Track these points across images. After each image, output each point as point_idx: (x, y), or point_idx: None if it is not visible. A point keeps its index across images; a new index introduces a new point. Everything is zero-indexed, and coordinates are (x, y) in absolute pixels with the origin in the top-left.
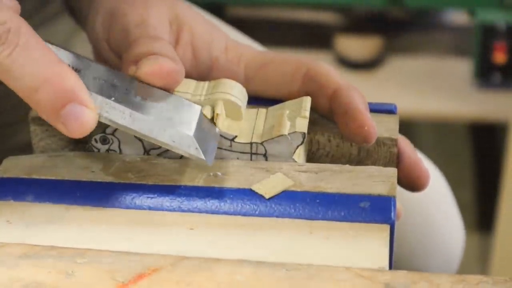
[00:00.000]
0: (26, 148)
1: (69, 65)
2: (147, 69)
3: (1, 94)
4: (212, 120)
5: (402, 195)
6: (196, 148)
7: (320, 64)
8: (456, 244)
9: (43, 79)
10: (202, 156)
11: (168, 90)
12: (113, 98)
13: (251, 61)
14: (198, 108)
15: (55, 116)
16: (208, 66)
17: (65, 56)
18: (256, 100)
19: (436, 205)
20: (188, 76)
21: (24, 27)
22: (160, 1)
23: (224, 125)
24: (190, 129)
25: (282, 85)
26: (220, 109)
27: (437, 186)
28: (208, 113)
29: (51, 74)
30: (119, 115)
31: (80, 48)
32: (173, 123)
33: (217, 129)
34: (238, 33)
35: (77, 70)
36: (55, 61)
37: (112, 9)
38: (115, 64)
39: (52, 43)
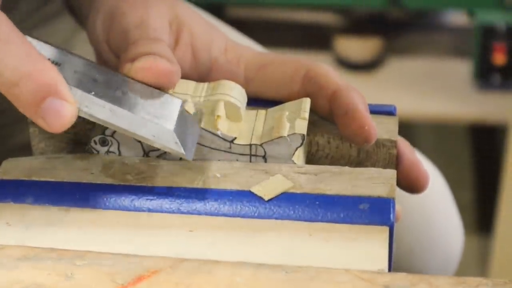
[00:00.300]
0: (26, 148)
1: (49, 59)
2: (141, 64)
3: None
4: (195, 115)
5: (401, 195)
6: (176, 143)
7: (319, 65)
8: (455, 244)
9: (23, 73)
10: (182, 151)
11: (162, 90)
12: (93, 93)
13: (251, 62)
14: (178, 102)
15: (34, 110)
16: (207, 67)
17: (45, 49)
18: (255, 101)
19: (435, 205)
20: (187, 77)
21: (4, 21)
22: (160, 1)
23: (224, 126)
24: (170, 123)
25: (281, 86)
26: (221, 111)
27: (437, 186)
28: (190, 108)
29: (30, 69)
30: (99, 109)
31: (80, 48)
32: (153, 117)
33: (198, 124)
34: (238, 34)
35: (57, 64)
36: (35, 55)
37: (112, 8)
38: (115, 65)
39: (33, 37)
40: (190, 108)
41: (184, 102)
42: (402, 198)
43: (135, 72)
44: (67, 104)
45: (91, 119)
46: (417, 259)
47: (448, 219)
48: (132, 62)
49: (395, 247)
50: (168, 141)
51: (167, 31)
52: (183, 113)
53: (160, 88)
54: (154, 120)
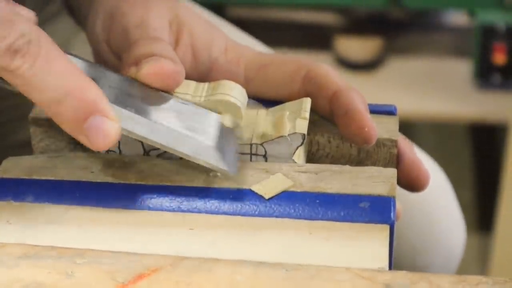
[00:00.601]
0: (26, 146)
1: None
2: (148, 70)
3: (1, 95)
4: (233, 128)
5: (404, 193)
6: (218, 159)
7: (320, 65)
8: (458, 242)
9: (66, 91)
10: (222, 166)
11: (168, 91)
12: (129, 108)
13: (251, 62)
14: (215, 116)
15: (77, 128)
16: (208, 67)
17: (82, 65)
18: (256, 101)
19: (437, 202)
20: (188, 77)
21: (44, 38)
22: (160, 2)
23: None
24: (209, 139)
25: (282, 86)
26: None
27: (439, 184)
28: (227, 121)
29: (73, 86)
30: (136, 125)
31: (80, 48)
32: (192, 133)
33: (236, 137)
34: (240, 33)
35: (94, 80)
36: (76, 72)
37: (112, 8)
38: (115, 65)
39: (69, 53)
40: (227, 122)
41: (221, 116)
42: (404, 196)
43: (142, 78)
44: (110, 121)
45: (129, 135)
46: (419, 256)
47: (450, 216)
48: (136, 66)
49: (398, 245)
50: (209, 158)
51: (167, 31)
52: (221, 127)
53: (166, 90)
54: (194, 137)
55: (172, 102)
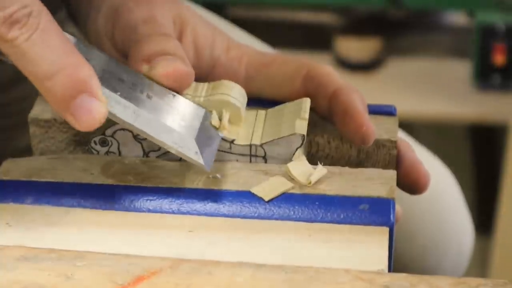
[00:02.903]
0: (28, 151)
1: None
2: (162, 71)
3: (4, 101)
4: (215, 125)
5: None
6: (196, 152)
7: (321, 65)
8: (467, 242)
9: (59, 67)
10: (201, 161)
11: (178, 92)
12: (119, 93)
13: (253, 61)
14: (202, 111)
15: (65, 106)
16: (209, 65)
17: (78, 45)
18: (255, 101)
19: (446, 201)
20: None
21: (44, 12)
22: (165, 1)
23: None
24: (192, 132)
25: (282, 85)
26: (225, 119)
27: (448, 185)
28: (213, 118)
29: (67, 63)
30: (123, 110)
31: None
32: (176, 125)
33: (220, 135)
34: (242, 32)
35: (87, 60)
36: (72, 50)
37: (116, 6)
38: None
39: (67, 31)
40: (214, 121)
41: (207, 112)
42: (414, 198)
43: (155, 78)
44: (99, 103)
45: (114, 119)
46: (430, 258)
47: (459, 215)
48: (148, 63)
49: (408, 245)
50: (189, 150)
51: (172, 28)
52: (205, 123)
53: (176, 90)
54: (177, 128)
55: (162, 93)
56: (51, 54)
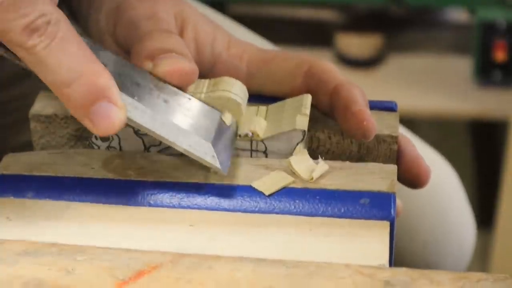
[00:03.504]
0: (27, 148)
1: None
2: (166, 67)
3: (4, 99)
4: (231, 126)
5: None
6: (213, 156)
7: (322, 61)
8: (469, 237)
9: (78, 74)
10: (218, 165)
11: (182, 89)
12: (136, 97)
13: (254, 58)
14: (217, 113)
15: (83, 112)
16: (210, 62)
17: (95, 50)
18: (256, 97)
19: (447, 195)
20: None
21: (63, 21)
22: None
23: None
24: (208, 136)
25: (284, 82)
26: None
27: (447, 177)
28: (227, 119)
29: (86, 70)
30: (140, 115)
31: None
32: (192, 128)
33: (234, 136)
34: (244, 29)
35: (104, 65)
36: (90, 57)
37: (118, 3)
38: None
39: (85, 37)
40: (227, 119)
41: (222, 113)
42: (416, 193)
43: (159, 75)
44: (117, 109)
45: (131, 124)
46: (433, 253)
47: (461, 213)
48: (151, 60)
49: (410, 240)
50: (205, 154)
51: (173, 25)
52: (221, 125)
53: (180, 87)
54: (193, 131)
55: (179, 97)
56: (69, 62)
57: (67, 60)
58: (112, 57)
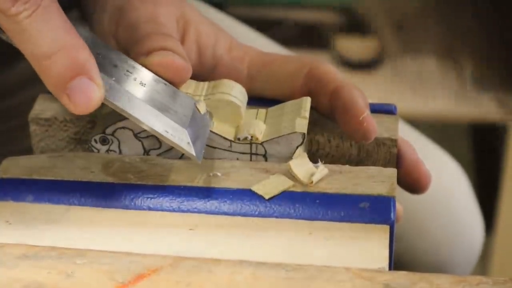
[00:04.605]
0: (30, 151)
1: None
2: (158, 59)
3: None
4: (205, 116)
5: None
6: (188, 143)
7: (322, 63)
8: (478, 237)
9: (59, 47)
10: (193, 152)
11: (175, 85)
12: (114, 78)
13: (255, 60)
14: (192, 101)
15: (62, 86)
16: (211, 64)
17: (78, 29)
18: (256, 100)
19: (458, 199)
20: (192, 73)
21: None
22: (169, 0)
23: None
24: (184, 123)
25: (284, 84)
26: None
27: (458, 180)
28: (202, 108)
29: (67, 43)
30: (118, 96)
31: None
32: (168, 114)
33: (210, 124)
34: (248, 29)
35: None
36: (72, 32)
37: (121, 4)
38: None
39: (67, 16)
40: (202, 108)
41: (196, 101)
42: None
43: (151, 65)
44: (96, 87)
45: (107, 104)
46: (443, 253)
47: (470, 212)
48: (147, 56)
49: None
50: (181, 140)
51: (175, 28)
52: (196, 113)
53: (172, 82)
54: (170, 117)
55: (155, 82)
56: (52, 33)
57: (49, 31)
58: (90, 36)
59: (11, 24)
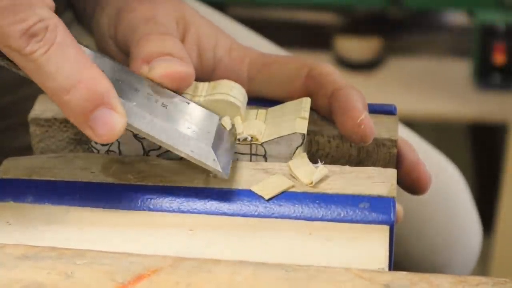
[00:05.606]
0: (29, 149)
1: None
2: (161, 71)
3: (14, 100)
4: (230, 130)
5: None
6: (214, 160)
7: (322, 64)
8: (475, 237)
9: (77, 80)
10: (219, 168)
11: (178, 92)
12: (134, 103)
13: (255, 61)
14: (216, 117)
15: (83, 119)
16: (212, 66)
17: (92, 56)
18: (256, 101)
19: (455, 201)
20: None
21: (61, 26)
22: (167, 1)
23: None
24: (208, 140)
25: (284, 85)
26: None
27: (456, 182)
28: (226, 123)
29: (85, 76)
30: (140, 120)
31: None
32: (192, 133)
33: (233, 140)
34: (248, 31)
35: (102, 71)
36: (89, 63)
37: (120, 6)
38: (121, 60)
39: (81, 43)
40: (227, 124)
41: (221, 117)
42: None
43: (154, 79)
44: (117, 115)
45: (130, 129)
46: (441, 255)
47: (468, 215)
48: (148, 63)
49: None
50: (206, 158)
51: (174, 28)
52: (220, 129)
53: (176, 90)
54: (193, 136)
55: (177, 101)
56: (68, 68)
57: (65, 66)
58: (109, 63)
59: (27, 62)
